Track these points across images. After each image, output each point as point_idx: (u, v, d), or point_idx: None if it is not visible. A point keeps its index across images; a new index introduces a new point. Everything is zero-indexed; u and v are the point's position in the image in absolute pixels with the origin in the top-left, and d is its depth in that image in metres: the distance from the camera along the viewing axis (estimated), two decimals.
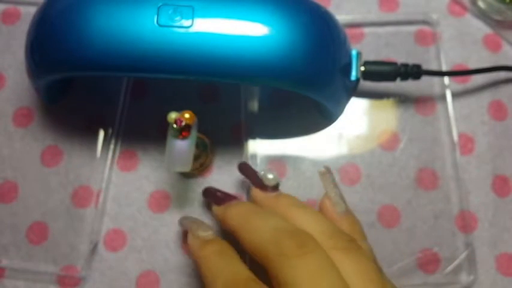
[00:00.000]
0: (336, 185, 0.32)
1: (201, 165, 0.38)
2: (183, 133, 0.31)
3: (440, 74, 0.40)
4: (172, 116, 0.31)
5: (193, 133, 0.32)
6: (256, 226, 0.28)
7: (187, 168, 0.32)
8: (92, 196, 0.38)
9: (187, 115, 0.31)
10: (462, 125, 0.39)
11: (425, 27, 0.42)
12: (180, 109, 0.32)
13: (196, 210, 0.37)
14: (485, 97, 0.40)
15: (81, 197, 0.38)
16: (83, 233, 0.37)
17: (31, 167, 0.38)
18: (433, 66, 0.40)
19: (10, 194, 0.38)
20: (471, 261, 0.36)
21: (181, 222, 0.34)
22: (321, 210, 0.32)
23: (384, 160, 0.38)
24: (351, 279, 0.25)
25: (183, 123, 0.31)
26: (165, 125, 0.31)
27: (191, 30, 0.31)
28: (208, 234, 0.31)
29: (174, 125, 0.31)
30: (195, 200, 0.38)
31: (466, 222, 0.37)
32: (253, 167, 0.35)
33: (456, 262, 0.36)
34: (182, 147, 0.32)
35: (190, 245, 0.31)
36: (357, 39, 0.41)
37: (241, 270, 0.28)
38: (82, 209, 0.37)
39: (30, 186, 0.38)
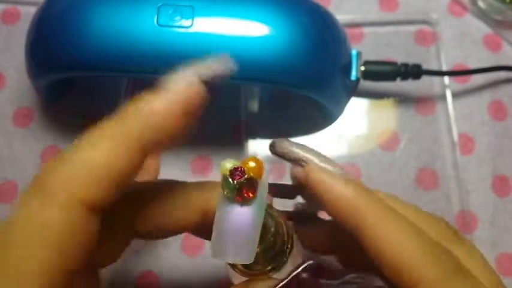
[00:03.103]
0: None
1: (273, 266, 0.22)
2: (245, 192, 0.19)
3: (440, 74, 0.40)
4: (228, 165, 0.19)
5: (261, 195, 0.19)
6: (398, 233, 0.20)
7: (248, 256, 0.19)
8: None
9: (252, 163, 0.19)
10: (462, 125, 0.39)
11: (425, 27, 0.42)
12: None
13: None
14: (485, 97, 0.40)
15: None
16: None
17: (31, 167, 0.38)
18: (433, 66, 0.40)
19: (10, 194, 0.38)
20: None
21: (286, 147, 0.22)
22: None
23: (384, 160, 0.38)
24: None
25: (245, 177, 0.19)
26: None
27: (191, 30, 0.31)
28: (340, 169, 0.22)
29: (230, 180, 0.19)
30: None
31: (466, 222, 0.37)
32: None
33: None
34: (242, 218, 0.19)
35: (326, 182, 0.21)
36: (357, 39, 0.41)
37: None
38: None
39: None
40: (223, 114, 0.39)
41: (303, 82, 0.34)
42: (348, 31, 0.38)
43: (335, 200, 0.21)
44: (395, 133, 0.39)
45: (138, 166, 0.20)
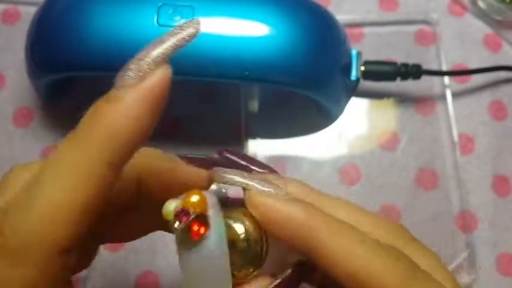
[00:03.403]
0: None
1: (254, 268, 0.21)
2: (198, 231, 0.18)
3: (440, 74, 0.40)
4: (171, 206, 0.18)
5: (217, 224, 0.19)
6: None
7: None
8: None
9: (194, 197, 0.18)
10: (462, 125, 0.39)
11: (425, 27, 0.42)
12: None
13: None
14: (485, 97, 0.40)
15: None
16: None
17: None
18: (433, 66, 0.40)
19: None
20: (471, 261, 0.36)
21: (223, 178, 0.21)
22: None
23: (384, 160, 0.38)
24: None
25: (192, 215, 0.18)
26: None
27: None
28: (284, 191, 0.21)
29: (177, 223, 0.18)
30: None
31: (466, 222, 0.37)
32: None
33: (456, 262, 0.36)
34: (206, 254, 0.18)
35: (268, 204, 0.20)
36: (357, 39, 0.41)
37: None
38: None
39: None
40: (223, 114, 0.39)
41: (303, 82, 0.34)
42: (348, 31, 0.38)
43: (282, 222, 0.20)
44: (395, 133, 0.39)
45: (111, 186, 0.18)
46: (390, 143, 0.39)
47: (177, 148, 0.38)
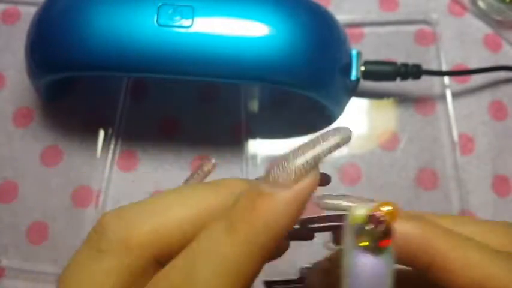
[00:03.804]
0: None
1: None
2: (381, 243, 0.18)
3: (440, 74, 0.40)
4: (361, 211, 0.18)
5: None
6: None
7: None
8: (91, 196, 0.38)
9: (387, 208, 0.18)
10: (462, 125, 0.39)
11: (425, 27, 0.42)
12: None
13: None
14: (485, 97, 0.40)
15: (81, 196, 0.38)
16: (83, 233, 0.37)
17: (31, 167, 0.38)
18: (433, 66, 0.40)
19: (10, 194, 0.38)
20: None
21: (328, 204, 0.22)
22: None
23: (384, 160, 0.38)
24: None
25: (384, 226, 0.18)
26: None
27: (191, 30, 0.31)
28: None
29: (367, 227, 0.18)
30: None
31: None
32: (253, 167, 0.34)
33: None
34: (380, 269, 0.18)
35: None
36: (357, 39, 0.41)
37: None
38: (82, 209, 0.37)
39: (30, 186, 0.38)
40: (223, 114, 0.39)
41: (303, 82, 0.34)
42: (348, 31, 0.38)
43: (399, 240, 0.19)
44: (395, 133, 0.39)
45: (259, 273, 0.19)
46: (390, 143, 0.39)
47: (177, 148, 0.38)
